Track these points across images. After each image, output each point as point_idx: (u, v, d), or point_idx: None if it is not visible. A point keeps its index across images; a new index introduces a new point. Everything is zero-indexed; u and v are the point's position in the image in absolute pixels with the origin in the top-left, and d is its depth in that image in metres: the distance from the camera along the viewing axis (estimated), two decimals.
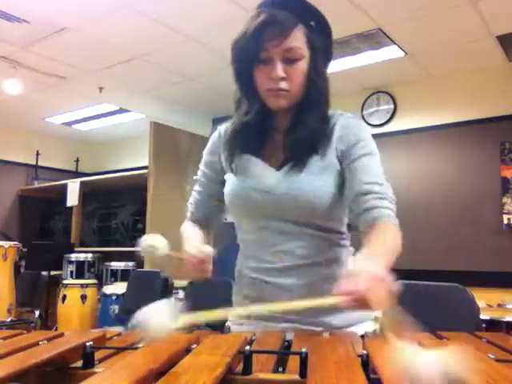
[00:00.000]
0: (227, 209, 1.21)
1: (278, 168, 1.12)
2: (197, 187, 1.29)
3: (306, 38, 1.08)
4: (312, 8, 1.11)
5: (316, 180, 1.08)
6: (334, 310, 1.08)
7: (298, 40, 1.06)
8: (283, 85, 1.07)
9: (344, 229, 1.18)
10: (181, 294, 3.79)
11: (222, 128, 1.26)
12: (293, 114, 1.14)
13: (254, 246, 1.16)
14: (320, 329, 1.08)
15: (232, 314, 1.20)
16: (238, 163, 1.16)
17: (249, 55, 1.08)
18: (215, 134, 1.27)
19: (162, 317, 0.67)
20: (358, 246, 1.18)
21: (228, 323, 1.24)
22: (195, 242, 1.13)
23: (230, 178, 1.18)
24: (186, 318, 0.70)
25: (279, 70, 1.06)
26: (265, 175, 1.13)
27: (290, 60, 1.07)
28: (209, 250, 1.05)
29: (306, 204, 1.08)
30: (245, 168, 1.15)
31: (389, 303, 0.74)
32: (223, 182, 1.22)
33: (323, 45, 1.12)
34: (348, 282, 0.76)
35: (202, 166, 1.29)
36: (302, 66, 1.08)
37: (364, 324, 1.13)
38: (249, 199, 1.13)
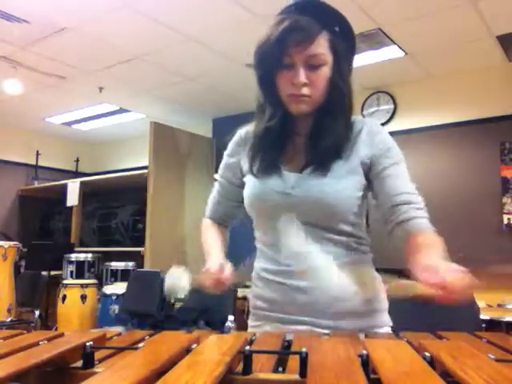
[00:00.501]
0: (247, 210, 1.21)
1: (300, 171, 1.13)
2: (217, 187, 1.32)
3: (329, 44, 1.08)
4: (335, 13, 1.11)
5: (338, 183, 1.08)
6: (352, 314, 1.10)
7: (321, 46, 1.07)
8: (305, 90, 1.08)
9: (364, 234, 1.18)
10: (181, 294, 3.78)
11: (243, 131, 1.27)
12: (315, 119, 1.14)
13: (271, 249, 1.16)
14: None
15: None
16: (260, 166, 1.16)
17: (272, 60, 1.08)
18: (236, 137, 1.29)
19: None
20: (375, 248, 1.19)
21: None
22: (216, 258, 1.16)
23: (250, 179, 1.18)
24: None
25: (302, 76, 1.06)
26: (286, 177, 1.13)
27: (312, 66, 1.07)
28: (229, 266, 1.09)
29: (327, 207, 1.08)
30: (266, 170, 1.15)
31: (470, 293, 0.82)
32: (242, 185, 1.23)
33: (346, 49, 1.12)
34: (433, 272, 0.83)
35: (222, 167, 1.30)
36: (325, 71, 1.09)
37: (383, 330, 1.13)
38: (269, 201, 1.13)
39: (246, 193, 1.18)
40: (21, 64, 4.06)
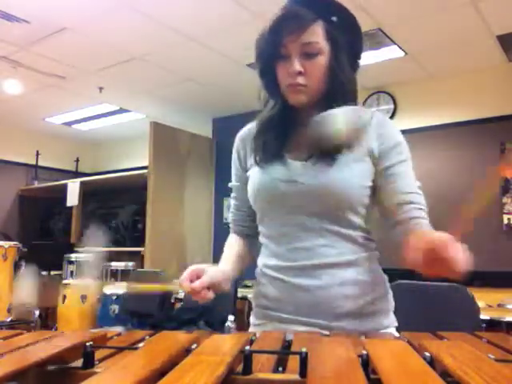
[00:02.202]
0: (251, 202, 1.19)
1: (305, 160, 1.11)
2: (233, 194, 1.29)
3: (325, 33, 1.08)
4: (336, 4, 1.11)
5: (344, 171, 1.07)
6: (356, 315, 1.08)
7: (316, 35, 1.07)
8: (301, 80, 1.07)
9: (369, 227, 1.15)
10: (181, 293, 3.79)
11: (246, 127, 1.27)
12: (318, 110, 1.13)
13: (275, 243, 1.14)
14: None
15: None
16: (263, 155, 1.15)
17: (269, 51, 1.09)
18: (240, 134, 1.28)
19: None
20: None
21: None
22: (211, 270, 1.10)
23: (254, 171, 1.17)
24: None
25: (296, 65, 1.06)
26: (291, 166, 1.11)
27: (308, 55, 1.07)
28: (208, 279, 1.03)
29: (333, 194, 1.06)
30: (269, 160, 1.13)
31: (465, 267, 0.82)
32: None
33: (347, 41, 1.11)
34: (432, 241, 0.83)
35: (233, 169, 1.29)
36: (321, 61, 1.08)
37: (388, 330, 1.12)
38: (274, 190, 1.11)
39: (250, 184, 1.16)
40: (21, 64, 4.06)
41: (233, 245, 1.25)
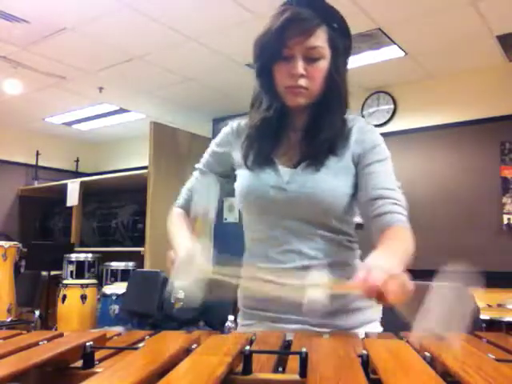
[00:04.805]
0: (238, 203, 1.18)
1: (294, 166, 1.12)
2: (197, 175, 1.28)
3: (328, 39, 1.09)
4: (334, 10, 1.12)
5: (333, 180, 1.08)
6: (343, 311, 1.10)
7: (320, 39, 1.07)
8: (302, 82, 1.08)
9: (353, 231, 1.18)
10: (181, 293, 3.78)
11: (235, 123, 1.26)
12: (311, 114, 1.14)
13: (263, 245, 1.15)
14: (329, 330, 1.07)
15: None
16: (254, 158, 1.15)
17: (271, 51, 1.09)
18: (227, 129, 1.28)
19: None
20: (365, 246, 1.19)
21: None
22: (185, 243, 1.10)
23: (243, 173, 1.17)
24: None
25: (300, 67, 1.06)
26: (281, 172, 1.12)
27: (311, 59, 1.07)
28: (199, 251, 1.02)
29: (322, 203, 1.08)
30: (260, 163, 1.14)
31: (404, 299, 0.77)
32: (226, 176, 1.23)
33: (344, 47, 1.13)
34: (366, 274, 0.79)
35: (207, 156, 1.28)
36: (323, 65, 1.09)
37: (371, 325, 1.14)
38: (264, 196, 1.11)
39: (239, 186, 1.16)
40: (21, 64, 4.06)
41: (183, 220, 1.25)
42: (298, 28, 1.05)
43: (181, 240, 1.16)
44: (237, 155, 1.21)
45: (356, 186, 1.12)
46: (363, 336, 0.99)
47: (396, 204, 1.05)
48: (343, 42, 1.12)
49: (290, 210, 1.10)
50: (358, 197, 1.11)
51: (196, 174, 1.29)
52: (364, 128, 1.16)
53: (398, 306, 0.74)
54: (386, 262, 0.83)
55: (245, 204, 1.16)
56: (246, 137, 1.19)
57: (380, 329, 1.16)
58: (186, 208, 1.27)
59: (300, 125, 1.16)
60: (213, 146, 1.28)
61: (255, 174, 1.14)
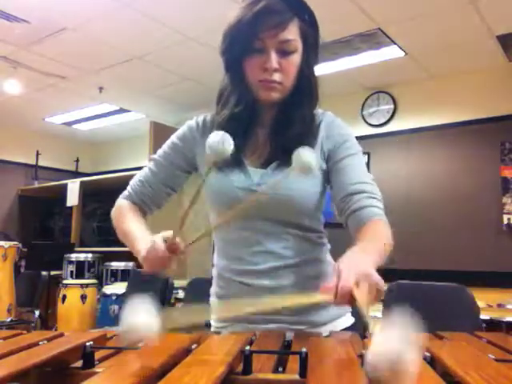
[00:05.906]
0: (208, 204, 1.15)
1: (264, 166, 1.09)
2: (152, 167, 1.21)
3: (300, 31, 1.06)
4: (304, 2, 1.09)
5: (304, 180, 1.04)
6: (317, 307, 1.08)
7: (293, 33, 1.04)
8: (277, 77, 1.04)
9: (322, 227, 1.17)
10: (181, 293, 3.79)
11: (200, 118, 1.21)
12: (280, 109, 1.11)
13: (235, 247, 1.12)
14: (305, 327, 1.08)
15: (215, 315, 1.17)
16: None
17: (242, 43, 1.04)
18: (192, 123, 1.21)
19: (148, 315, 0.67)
20: (335, 243, 1.19)
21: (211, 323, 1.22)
22: (150, 237, 1.05)
23: (212, 174, 1.10)
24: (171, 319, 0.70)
25: (274, 60, 1.03)
26: (250, 173, 1.09)
27: (284, 52, 1.04)
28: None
29: (294, 204, 1.06)
30: (228, 165, 1.08)
31: (374, 300, 0.75)
32: (185, 171, 1.20)
33: (314, 40, 1.10)
34: (335, 277, 0.76)
35: (166, 148, 1.21)
36: (296, 59, 1.06)
37: (343, 318, 1.14)
38: (233, 196, 1.07)
39: (208, 186, 1.11)
40: (21, 64, 4.06)
41: (139, 219, 1.20)
42: (271, 21, 1.01)
43: (139, 234, 1.14)
44: (201, 153, 1.15)
45: (326, 183, 1.11)
46: (327, 334, 0.99)
47: (372, 197, 1.03)
48: (313, 34, 1.09)
49: (261, 211, 1.06)
50: (333, 193, 1.09)
51: (151, 164, 1.22)
52: (333, 123, 1.13)
53: (363, 308, 0.72)
54: (362, 261, 0.81)
55: (214, 206, 1.14)
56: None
57: (351, 320, 1.15)
58: (136, 201, 1.21)
59: (268, 121, 1.13)
60: (173, 138, 1.21)
61: (224, 174, 1.09)
